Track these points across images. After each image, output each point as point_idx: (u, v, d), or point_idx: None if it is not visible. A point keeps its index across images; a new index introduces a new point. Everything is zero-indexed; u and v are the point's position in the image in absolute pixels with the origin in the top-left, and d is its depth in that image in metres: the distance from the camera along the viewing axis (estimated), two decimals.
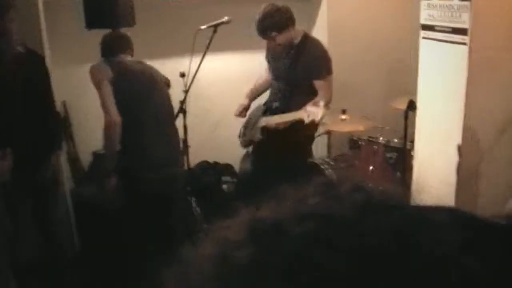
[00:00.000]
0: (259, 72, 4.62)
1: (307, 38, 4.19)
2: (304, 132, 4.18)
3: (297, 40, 4.12)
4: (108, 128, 3.57)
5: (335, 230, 0.44)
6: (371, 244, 0.43)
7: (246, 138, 4.52)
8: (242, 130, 4.57)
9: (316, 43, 4.22)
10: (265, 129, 4.23)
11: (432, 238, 0.44)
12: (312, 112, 3.63)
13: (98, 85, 3.56)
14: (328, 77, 4.04)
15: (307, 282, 0.41)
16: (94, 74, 3.59)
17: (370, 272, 0.41)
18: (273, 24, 3.97)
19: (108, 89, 3.52)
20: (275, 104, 4.28)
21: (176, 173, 3.97)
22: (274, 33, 4.00)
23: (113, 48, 3.67)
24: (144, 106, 3.70)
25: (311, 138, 4.46)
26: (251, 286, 0.43)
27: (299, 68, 4.10)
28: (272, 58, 4.38)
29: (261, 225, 0.47)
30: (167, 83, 3.98)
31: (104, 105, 3.54)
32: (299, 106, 3.86)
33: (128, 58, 3.72)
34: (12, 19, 3.19)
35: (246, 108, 4.49)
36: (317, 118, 3.63)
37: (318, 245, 0.43)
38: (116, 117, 3.50)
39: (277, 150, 4.17)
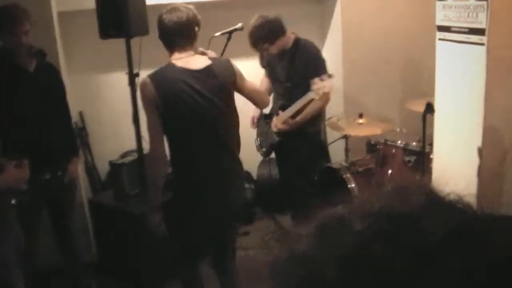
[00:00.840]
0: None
1: (299, 41, 4.29)
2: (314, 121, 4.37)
3: (289, 45, 4.25)
4: (149, 161, 3.20)
5: (397, 226, 0.47)
6: (431, 240, 0.44)
7: (264, 148, 4.64)
8: (258, 143, 4.69)
9: (309, 45, 4.32)
10: (279, 132, 4.35)
11: (495, 241, 0.45)
12: (320, 87, 3.72)
13: (144, 109, 3.04)
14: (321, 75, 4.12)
15: (367, 274, 0.44)
16: (140, 95, 3.06)
17: (428, 267, 0.43)
18: (264, 36, 4.09)
19: (151, 117, 2.96)
20: (281, 103, 4.38)
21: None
22: (266, 45, 4.14)
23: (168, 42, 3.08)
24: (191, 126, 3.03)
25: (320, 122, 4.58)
26: (314, 274, 0.46)
27: (297, 68, 4.23)
28: (268, 65, 4.52)
29: (328, 219, 0.51)
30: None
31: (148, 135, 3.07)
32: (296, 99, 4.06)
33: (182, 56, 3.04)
34: (28, 31, 3.22)
35: (258, 118, 4.64)
36: (327, 89, 3.73)
37: (380, 239, 0.45)
38: (159, 150, 3.02)
39: (296, 145, 4.37)
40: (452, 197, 0.54)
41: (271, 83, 4.58)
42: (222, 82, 3.03)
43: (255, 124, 4.64)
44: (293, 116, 4.17)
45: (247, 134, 4.54)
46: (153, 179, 3.10)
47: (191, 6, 3.06)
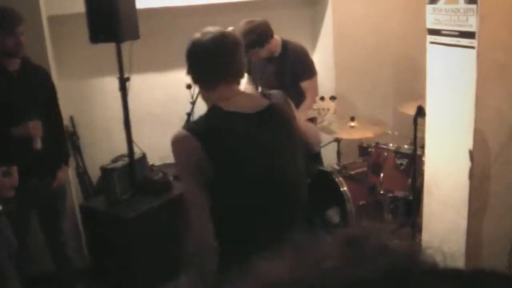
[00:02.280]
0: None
1: (287, 44, 4.34)
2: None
3: (278, 48, 4.30)
4: (194, 254, 2.20)
5: None
6: None
7: None
8: None
9: (298, 47, 4.37)
10: None
11: None
12: (323, 108, 3.70)
13: (180, 173, 2.37)
14: (314, 77, 4.14)
15: None
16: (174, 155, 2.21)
17: None
18: (254, 40, 4.10)
19: (195, 188, 2.14)
20: None
21: None
22: (257, 49, 4.16)
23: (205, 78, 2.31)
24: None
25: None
26: None
27: (286, 72, 4.27)
28: (255, 70, 4.51)
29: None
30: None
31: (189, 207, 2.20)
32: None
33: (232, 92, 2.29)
34: (22, 32, 3.23)
35: None
36: (331, 111, 3.67)
37: None
38: (206, 236, 2.14)
39: None
40: (411, 252, 0.47)
41: (256, 89, 4.59)
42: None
43: None
44: None
45: None
46: (201, 275, 2.20)
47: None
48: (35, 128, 3.27)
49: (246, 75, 4.62)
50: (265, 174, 2.19)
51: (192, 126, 2.22)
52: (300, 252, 0.46)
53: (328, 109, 3.71)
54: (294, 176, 2.31)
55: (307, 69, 4.26)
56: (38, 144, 3.28)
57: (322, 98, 3.77)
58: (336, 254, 0.45)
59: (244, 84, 4.68)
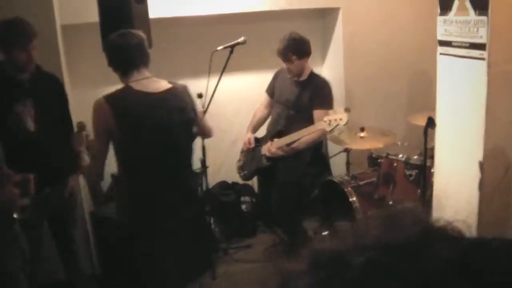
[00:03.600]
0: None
1: (314, 74, 4.44)
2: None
3: (307, 73, 4.39)
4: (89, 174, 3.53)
5: (395, 259, 0.45)
6: (431, 272, 0.44)
7: (246, 171, 4.72)
8: (239, 165, 4.77)
9: (323, 80, 4.45)
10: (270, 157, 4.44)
11: (491, 267, 0.44)
12: (334, 118, 3.86)
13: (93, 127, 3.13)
14: (329, 110, 4.12)
15: None
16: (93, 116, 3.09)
17: None
18: (296, 48, 4.24)
19: (101, 143, 3.12)
20: (278, 129, 4.46)
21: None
22: (294, 57, 4.24)
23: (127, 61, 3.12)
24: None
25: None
26: None
27: (305, 97, 4.32)
28: (277, 88, 4.60)
29: (323, 255, 0.48)
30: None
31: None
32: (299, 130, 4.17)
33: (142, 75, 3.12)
34: (35, 47, 3.25)
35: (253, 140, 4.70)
36: (343, 122, 3.85)
37: (379, 273, 0.44)
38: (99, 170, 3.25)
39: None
40: (443, 223, 0.53)
41: (270, 107, 4.71)
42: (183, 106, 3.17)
43: (251, 146, 4.66)
44: (288, 143, 4.23)
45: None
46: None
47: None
48: (24, 110, 3.31)
49: (265, 96, 4.69)
50: (157, 135, 3.00)
51: (108, 96, 2.98)
52: (350, 227, 0.53)
53: (341, 119, 3.75)
54: (177, 138, 3.13)
55: (325, 100, 4.31)
56: (30, 125, 3.33)
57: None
58: (379, 226, 0.51)
59: (260, 105, 4.80)
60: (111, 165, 4.67)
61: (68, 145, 3.64)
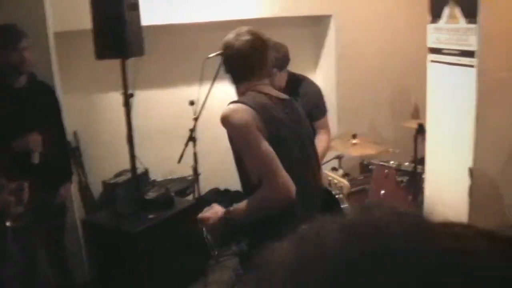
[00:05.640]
0: None
1: (295, 75, 3.97)
2: None
3: (283, 82, 3.80)
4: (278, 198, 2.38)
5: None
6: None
7: None
8: None
9: (310, 83, 4.01)
10: None
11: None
12: (343, 186, 3.80)
13: (244, 138, 2.43)
14: (326, 114, 3.93)
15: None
16: (236, 122, 2.42)
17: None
18: (277, 59, 3.60)
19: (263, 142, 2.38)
20: None
21: None
22: (275, 70, 3.61)
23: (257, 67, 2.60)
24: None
25: None
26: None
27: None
28: None
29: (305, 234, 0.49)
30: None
31: (265, 165, 2.38)
32: None
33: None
34: (26, 48, 3.26)
35: None
36: (345, 190, 3.76)
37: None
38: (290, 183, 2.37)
39: None
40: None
41: None
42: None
43: None
44: None
45: None
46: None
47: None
48: (35, 142, 3.30)
49: None
50: (298, 146, 2.54)
51: (244, 102, 2.43)
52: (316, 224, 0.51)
53: (341, 187, 3.68)
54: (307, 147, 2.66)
55: (321, 107, 3.91)
56: (36, 159, 3.32)
57: (334, 169, 3.82)
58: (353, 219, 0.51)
59: None
60: (103, 172, 4.68)
61: (59, 153, 3.64)
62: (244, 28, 2.60)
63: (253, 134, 2.37)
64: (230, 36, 2.61)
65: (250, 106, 2.39)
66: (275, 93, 2.60)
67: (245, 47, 2.53)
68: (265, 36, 2.63)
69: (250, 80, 2.55)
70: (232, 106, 2.44)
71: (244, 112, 2.38)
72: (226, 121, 2.41)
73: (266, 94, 2.51)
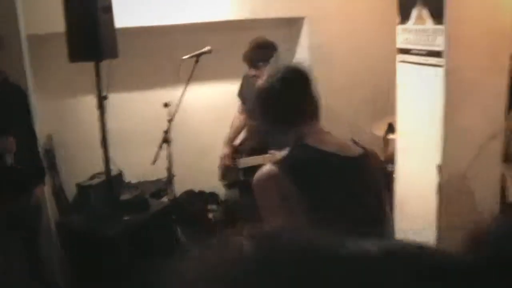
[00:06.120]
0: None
1: None
2: None
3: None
4: None
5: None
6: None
7: (228, 180, 4.55)
8: (221, 174, 4.54)
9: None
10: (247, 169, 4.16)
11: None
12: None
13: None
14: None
15: None
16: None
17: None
18: (264, 55, 3.98)
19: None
20: (252, 144, 4.27)
21: None
22: (261, 64, 3.99)
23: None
24: None
25: None
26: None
27: None
28: (247, 94, 4.30)
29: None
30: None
31: None
32: (275, 144, 3.73)
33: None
34: None
35: (231, 154, 4.43)
36: None
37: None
38: None
39: None
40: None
41: (246, 119, 4.44)
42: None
43: (231, 162, 4.40)
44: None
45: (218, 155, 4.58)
46: None
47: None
48: (8, 143, 3.28)
49: (239, 101, 4.56)
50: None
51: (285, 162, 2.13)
52: (217, 249, 0.49)
53: None
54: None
55: None
56: (9, 160, 3.30)
57: None
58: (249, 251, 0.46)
59: (236, 112, 4.59)
60: (77, 174, 4.67)
61: (32, 156, 3.62)
62: None
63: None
64: None
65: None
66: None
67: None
68: None
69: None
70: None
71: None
72: None
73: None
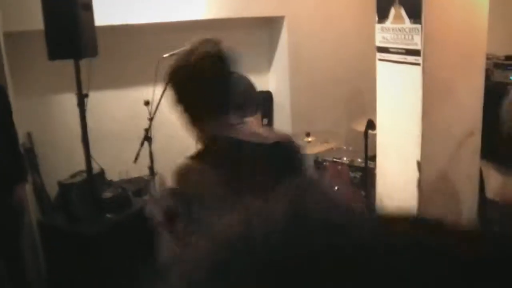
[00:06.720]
0: None
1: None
2: None
3: None
4: None
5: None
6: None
7: None
8: None
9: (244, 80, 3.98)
10: None
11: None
12: None
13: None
14: (258, 114, 3.93)
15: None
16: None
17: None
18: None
19: None
20: None
21: None
22: None
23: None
24: None
25: None
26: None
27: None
28: None
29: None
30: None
31: None
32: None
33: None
34: None
35: None
36: None
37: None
38: None
39: None
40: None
41: None
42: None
43: None
44: None
45: None
46: None
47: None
48: None
49: None
50: None
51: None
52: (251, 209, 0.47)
53: None
54: None
55: (253, 105, 3.81)
56: None
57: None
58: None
59: None
60: (58, 173, 4.65)
61: (12, 154, 3.60)
62: None
63: None
64: None
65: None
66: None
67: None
68: None
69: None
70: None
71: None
72: None
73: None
